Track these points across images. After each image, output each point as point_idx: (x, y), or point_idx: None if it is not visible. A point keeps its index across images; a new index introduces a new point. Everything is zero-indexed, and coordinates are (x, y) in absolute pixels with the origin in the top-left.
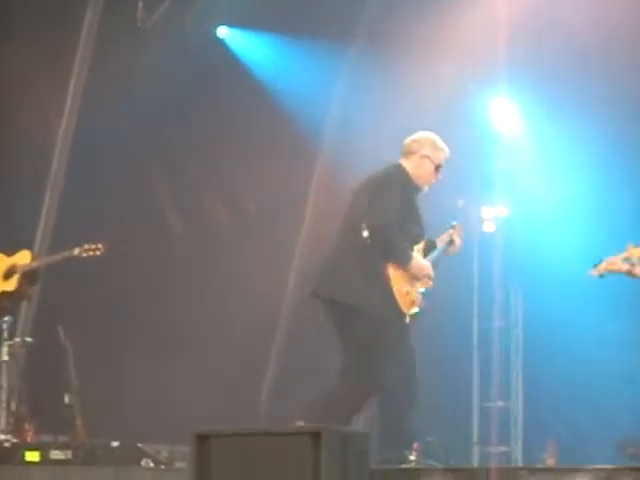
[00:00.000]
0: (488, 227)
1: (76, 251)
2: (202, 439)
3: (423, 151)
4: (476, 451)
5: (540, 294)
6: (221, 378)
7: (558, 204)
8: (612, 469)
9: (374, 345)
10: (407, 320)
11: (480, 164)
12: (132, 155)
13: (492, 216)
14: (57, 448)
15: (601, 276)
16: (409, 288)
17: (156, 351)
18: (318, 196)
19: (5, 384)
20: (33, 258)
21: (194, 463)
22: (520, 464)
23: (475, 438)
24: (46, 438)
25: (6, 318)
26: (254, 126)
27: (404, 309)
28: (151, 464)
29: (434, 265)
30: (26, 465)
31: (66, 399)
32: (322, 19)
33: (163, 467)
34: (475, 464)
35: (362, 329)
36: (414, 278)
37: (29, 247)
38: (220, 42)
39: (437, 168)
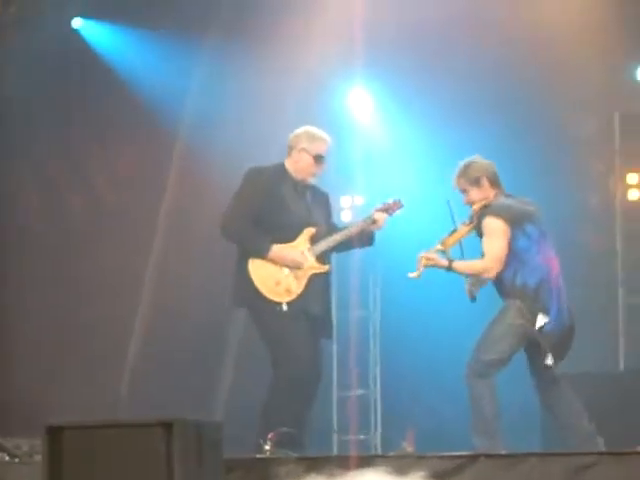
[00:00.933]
0: (345, 216)
1: None
2: (54, 431)
3: (300, 145)
4: (335, 440)
5: (397, 282)
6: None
7: (412, 192)
8: (468, 455)
9: (262, 338)
10: (285, 308)
11: (337, 154)
12: None
13: (349, 205)
14: None
15: (419, 276)
16: (281, 277)
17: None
18: (175, 191)
19: None
20: None
21: (46, 456)
22: (379, 452)
23: (335, 427)
24: None
25: None
26: (111, 117)
27: (275, 299)
28: (7, 458)
29: (332, 249)
30: None
31: None
32: (180, 12)
33: (17, 460)
34: (335, 453)
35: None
36: (285, 266)
37: None
38: (76, 33)
39: (316, 159)
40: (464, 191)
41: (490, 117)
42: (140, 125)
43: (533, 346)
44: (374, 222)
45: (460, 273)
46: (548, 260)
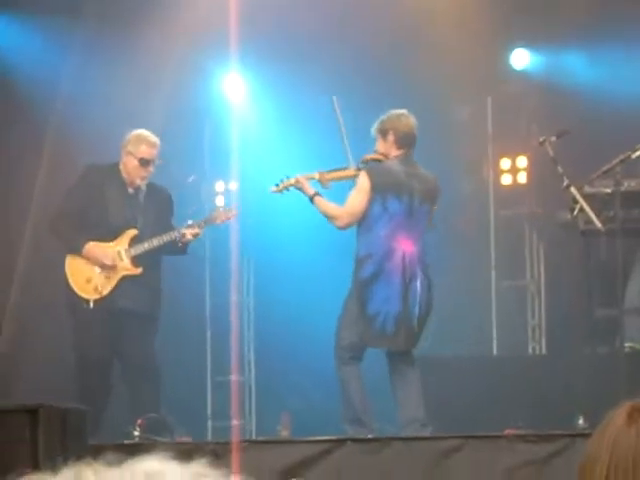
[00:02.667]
0: (219, 201)
1: None
2: None
3: (127, 148)
4: (210, 426)
5: (271, 266)
6: None
7: (281, 173)
8: (335, 440)
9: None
10: (90, 305)
11: (211, 140)
12: None
13: (223, 190)
14: None
15: (281, 192)
16: (92, 275)
17: None
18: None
19: None
20: None
21: None
22: (254, 437)
23: (209, 412)
24: None
25: None
26: None
27: (83, 295)
28: None
29: (152, 252)
30: None
31: None
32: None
33: None
34: (209, 438)
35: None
36: (97, 265)
37: None
38: None
39: (141, 162)
40: (375, 139)
41: (360, 101)
42: (10, 119)
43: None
44: (183, 236)
45: (317, 208)
46: (395, 239)
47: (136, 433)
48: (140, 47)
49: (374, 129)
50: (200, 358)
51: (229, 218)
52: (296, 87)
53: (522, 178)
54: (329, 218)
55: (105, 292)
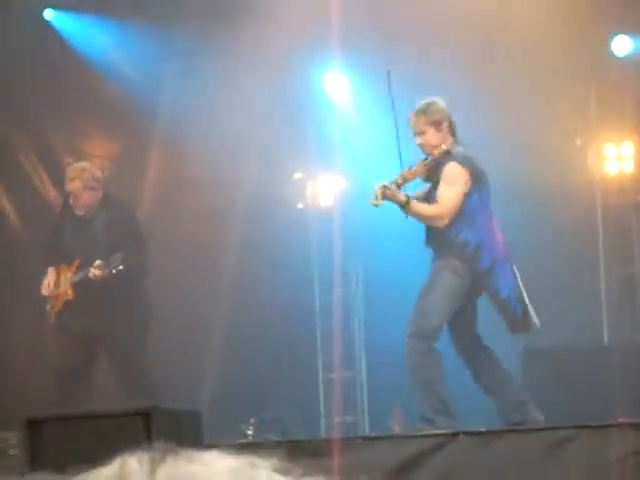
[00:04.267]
0: (325, 199)
1: None
2: (33, 424)
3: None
4: (323, 423)
5: (379, 261)
6: None
7: (389, 171)
8: (448, 434)
9: None
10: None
11: (316, 137)
12: None
13: (329, 188)
14: None
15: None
16: (50, 297)
17: None
18: (154, 184)
19: None
20: None
21: (26, 449)
22: (367, 433)
23: (322, 410)
24: None
25: None
26: (88, 111)
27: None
28: None
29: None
30: None
31: None
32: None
33: None
34: (322, 435)
35: None
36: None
37: None
38: (48, 25)
39: (68, 195)
40: (421, 132)
41: (462, 99)
42: (119, 119)
43: (464, 312)
44: (92, 273)
45: (412, 214)
46: (492, 228)
47: (249, 432)
48: (241, 46)
49: (418, 123)
50: (311, 355)
51: (116, 268)
52: (397, 85)
53: (628, 166)
54: (428, 220)
55: (55, 312)
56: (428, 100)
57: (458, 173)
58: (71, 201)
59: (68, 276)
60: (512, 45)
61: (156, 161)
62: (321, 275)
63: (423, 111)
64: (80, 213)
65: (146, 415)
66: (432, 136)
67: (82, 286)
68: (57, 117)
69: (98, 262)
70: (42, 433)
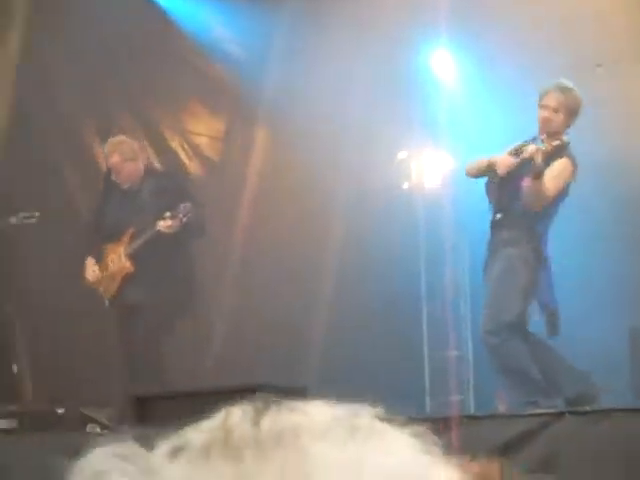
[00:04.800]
0: (432, 179)
1: (13, 220)
2: (141, 401)
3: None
4: (428, 402)
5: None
6: None
7: (495, 149)
8: (554, 413)
9: None
10: (107, 304)
11: (421, 116)
12: (70, 122)
13: (435, 167)
14: (2, 417)
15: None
16: (100, 278)
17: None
18: (258, 168)
19: None
20: None
21: (134, 426)
22: (472, 412)
23: (427, 389)
24: None
25: None
26: (189, 89)
27: (103, 295)
28: (97, 429)
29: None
30: None
31: (14, 368)
32: None
33: (107, 432)
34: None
35: None
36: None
37: None
38: (153, 5)
39: (109, 171)
40: (554, 110)
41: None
42: (223, 97)
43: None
44: (158, 230)
45: (537, 186)
46: None
47: None
48: (347, 24)
49: (553, 100)
50: (417, 334)
51: (189, 211)
52: (503, 67)
53: None
54: (540, 199)
55: (111, 293)
56: (568, 84)
57: (569, 170)
58: (113, 177)
59: (120, 250)
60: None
61: (261, 140)
62: (427, 256)
63: (563, 90)
64: (125, 186)
65: (251, 391)
66: (560, 120)
67: (143, 254)
68: (163, 97)
69: (167, 213)
70: (148, 409)
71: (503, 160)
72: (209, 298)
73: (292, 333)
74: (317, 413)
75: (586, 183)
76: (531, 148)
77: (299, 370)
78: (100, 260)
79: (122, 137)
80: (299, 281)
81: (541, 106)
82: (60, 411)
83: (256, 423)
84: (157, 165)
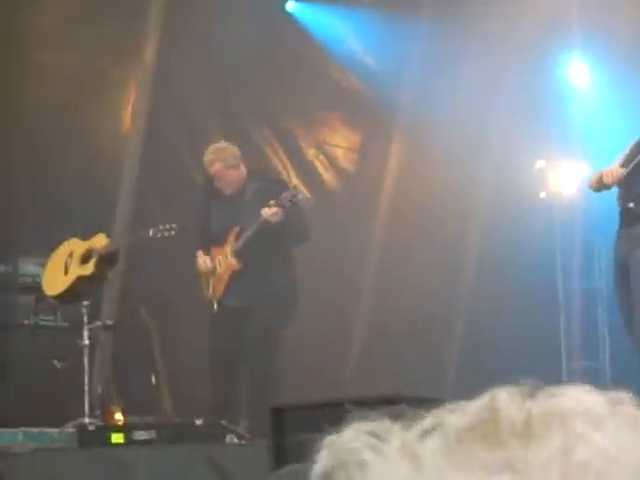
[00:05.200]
0: (569, 187)
1: (150, 232)
2: (279, 412)
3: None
4: None
5: None
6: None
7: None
8: None
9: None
10: (215, 306)
11: (558, 125)
12: (206, 135)
13: (572, 176)
14: (141, 429)
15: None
16: (210, 279)
17: None
18: (394, 182)
19: (87, 367)
20: (109, 241)
21: (271, 437)
22: None
23: None
24: (133, 420)
25: (85, 302)
26: (325, 101)
27: (211, 298)
28: (235, 440)
29: (243, 246)
30: (110, 447)
31: (153, 379)
32: None
33: (244, 443)
34: None
35: None
36: (211, 269)
37: (107, 231)
38: (289, 16)
39: (211, 179)
40: None
41: None
42: (359, 109)
43: None
44: (265, 221)
45: None
46: None
47: None
48: (483, 34)
49: None
50: (555, 345)
51: (296, 198)
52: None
53: None
54: None
55: (219, 294)
56: None
57: None
58: (217, 184)
59: (227, 251)
60: None
61: (397, 152)
62: (564, 263)
63: None
64: (228, 192)
65: (392, 402)
66: None
67: (249, 251)
68: (300, 109)
69: (272, 202)
70: (287, 421)
71: (611, 171)
72: (347, 310)
73: (429, 346)
74: (584, 398)
75: None
76: None
77: (437, 380)
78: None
79: (222, 144)
80: (434, 292)
81: None
82: (198, 422)
83: (521, 407)
84: (259, 169)
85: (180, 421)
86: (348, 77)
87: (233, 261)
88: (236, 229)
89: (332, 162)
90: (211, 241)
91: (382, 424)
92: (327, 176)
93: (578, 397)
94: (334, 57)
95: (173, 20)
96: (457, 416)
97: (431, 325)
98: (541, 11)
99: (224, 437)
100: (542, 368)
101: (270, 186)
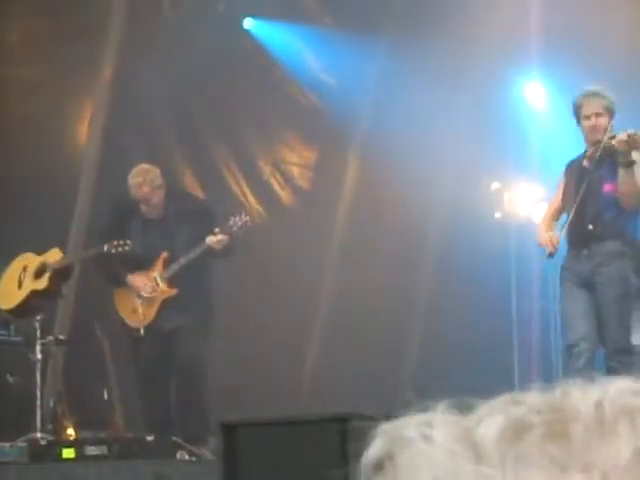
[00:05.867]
0: (524, 207)
1: (105, 247)
2: (229, 429)
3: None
4: None
5: None
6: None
7: None
8: None
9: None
10: (142, 332)
11: (515, 147)
12: (163, 151)
13: (527, 196)
14: (93, 444)
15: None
16: (137, 305)
17: None
18: (351, 198)
19: (39, 382)
20: (63, 256)
21: (221, 454)
22: None
23: None
24: (85, 435)
25: (38, 317)
26: (282, 118)
27: (133, 325)
28: (186, 456)
29: (178, 272)
30: (61, 462)
31: (105, 395)
32: (349, 10)
33: (195, 459)
34: None
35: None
36: (138, 295)
37: (61, 246)
38: (247, 33)
39: (141, 200)
40: (597, 114)
41: None
42: (316, 127)
43: None
44: (210, 248)
45: (629, 179)
46: None
47: None
48: (440, 56)
49: (598, 104)
50: (508, 365)
51: (245, 224)
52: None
53: None
54: (630, 196)
55: (150, 319)
56: (597, 87)
57: None
58: (143, 206)
59: (154, 276)
60: None
61: (353, 170)
62: (519, 284)
63: (596, 94)
64: (153, 215)
65: (342, 421)
66: (605, 121)
67: (181, 276)
68: (256, 126)
69: (217, 229)
70: (237, 438)
71: (549, 241)
72: (302, 328)
73: (385, 360)
74: None
75: None
76: (618, 138)
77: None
78: (130, 290)
79: (145, 165)
80: (390, 311)
81: (584, 116)
82: (149, 438)
83: (599, 404)
84: (172, 187)
85: (131, 437)
86: (305, 95)
87: (165, 287)
88: (164, 254)
89: (288, 180)
90: (134, 266)
91: (438, 415)
92: (283, 194)
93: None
94: (292, 75)
95: (132, 37)
96: (521, 407)
97: (386, 342)
98: (498, 32)
99: (175, 453)
100: (495, 386)
101: (190, 207)
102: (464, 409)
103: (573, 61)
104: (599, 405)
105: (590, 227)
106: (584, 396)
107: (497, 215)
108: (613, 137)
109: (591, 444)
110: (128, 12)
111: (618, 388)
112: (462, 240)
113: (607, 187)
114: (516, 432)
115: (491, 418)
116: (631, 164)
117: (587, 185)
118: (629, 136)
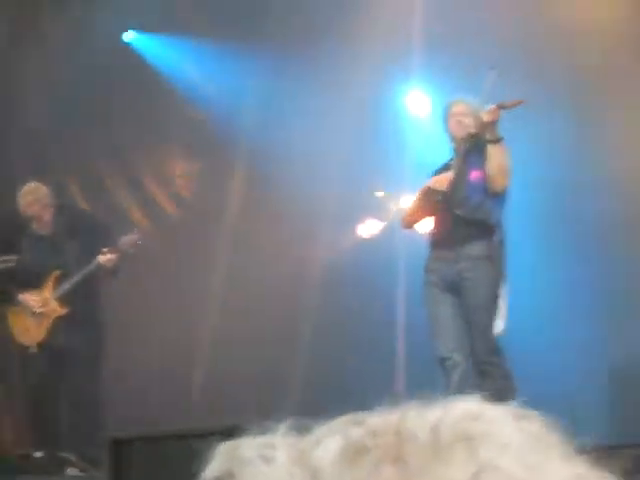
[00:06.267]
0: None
1: None
2: (117, 444)
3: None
4: None
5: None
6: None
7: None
8: None
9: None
10: (34, 350)
11: (399, 157)
12: (51, 167)
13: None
14: None
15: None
16: (29, 323)
17: None
18: (235, 209)
19: None
20: None
21: (109, 470)
22: None
23: None
24: None
25: None
26: (165, 130)
27: (26, 343)
28: (76, 472)
29: (69, 289)
30: None
31: None
32: (230, 17)
33: (84, 475)
34: None
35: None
36: (30, 314)
37: None
38: (127, 46)
39: (27, 220)
40: (464, 115)
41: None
42: (200, 139)
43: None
44: (101, 266)
45: (493, 156)
46: None
47: None
48: (323, 65)
49: (466, 109)
50: (389, 372)
51: (135, 242)
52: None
53: None
54: (499, 174)
55: (41, 337)
56: (469, 96)
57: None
58: (34, 225)
59: (45, 295)
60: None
61: (236, 180)
62: (406, 292)
63: (464, 100)
64: (44, 232)
65: (230, 435)
66: (470, 121)
67: (73, 295)
68: (138, 138)
69: (105, 249)
70: (125, 452)
71: (437, 179)
72: (190, 339)
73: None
74: (500, 421)
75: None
76: (488, 110)
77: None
78: (23, 308)
79: (34, 183)
80: (276, 323)
81: (451, 115)
82: (38, 454)
83: (435, 429)
84: (61, 203)
85: (19, 453)
86: (189, 107)
87: (57, 306)
88: (55, 273)
89: (173, 192)
90: (28, 282)
91: (279, 436)
92: (168, 206)
93: (493, 420)
94: (174, 87)
95: (10, 53)
96: (359, 429)
97: (275, 355)
98: (379, 41)
99: (64, 469)
100: (377, 396)
101: (81, 223)
102: (303, 430)
103: (455, 72)
104: (435, 430)
105: (457, 212)
106: (422, 420)
107: (382, 224)
108: (481, 123)
109: (427, 469)
110: (8, 29)
111: (457, 412)
112: (347, 250)
113: (474, 174)
114: (354, 455)
115: (330, 439)
116: (499, 140)
117: (455, 176)
118: (498, 105)
